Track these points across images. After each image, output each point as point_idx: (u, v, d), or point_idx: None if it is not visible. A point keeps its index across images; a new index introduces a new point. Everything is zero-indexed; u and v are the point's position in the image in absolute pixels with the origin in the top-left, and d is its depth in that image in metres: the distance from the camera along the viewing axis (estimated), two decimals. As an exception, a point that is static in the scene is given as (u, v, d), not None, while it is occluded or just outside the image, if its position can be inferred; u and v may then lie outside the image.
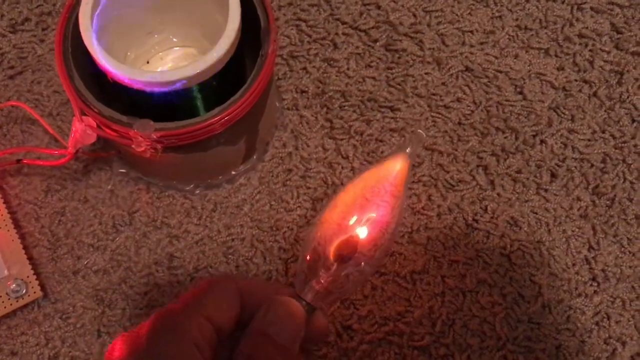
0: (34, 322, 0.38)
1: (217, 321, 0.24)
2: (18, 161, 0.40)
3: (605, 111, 0.44)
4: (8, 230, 0.39)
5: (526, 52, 0.45)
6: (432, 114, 0.43)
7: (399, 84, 0.44)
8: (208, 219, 0.41)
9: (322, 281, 0.27)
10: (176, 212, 0.41)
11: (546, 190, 0.42)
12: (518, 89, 0.44)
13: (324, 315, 0.28)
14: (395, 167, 0.31)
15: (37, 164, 0.40)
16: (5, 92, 0.43)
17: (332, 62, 0.44)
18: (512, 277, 0.40)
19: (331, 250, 0.28)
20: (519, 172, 0.42)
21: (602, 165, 0.42)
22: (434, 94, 0.44)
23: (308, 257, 0.28)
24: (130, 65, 0.37)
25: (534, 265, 0.40)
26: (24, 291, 0.38)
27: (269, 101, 0.38)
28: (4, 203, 0.40)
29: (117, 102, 0.34)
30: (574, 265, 0.40)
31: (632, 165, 0.42)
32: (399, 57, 0.45)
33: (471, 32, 0.45)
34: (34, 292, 0.38)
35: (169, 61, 0.41)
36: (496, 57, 0.45)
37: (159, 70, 0.40)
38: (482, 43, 0.45)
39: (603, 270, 0.40)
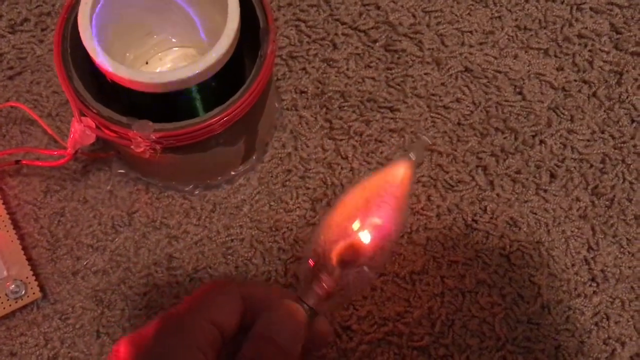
0: (33, 323, 0.38)
1: (221, 325, 0.24)
2: (17, 162, 0.40)
3: (604, 111, 0.44)
4: (7, 231, 0.39)
5: (525, 52, 0.45)
6: (432, 114, 0.43)
7: (398, 85, 0.44)
8: (207, 219, 0.41)
9: (324, 285, 0.28)
10: (175, 213, 0.41)
11: (545, 191, 0.42)
12: (517, 90, 0.44)
13: (326, 319, 0.28)
14: (399, 172, 0.31)
15: (36, 164, 0.40)
16: (5, 92, 0.43)
17: (331, 62, 0.44)
18: (511, 278, 0.40)
19: (334, 255, 0.28)
20: (518, 172, 0.42)
21: (601, 165, 0.42)
22: (433, 95, 0.44)
23: (311, 262, 0.29)
24: (129, 66, 0.37)
25: (533, 266, 0.40)
26: (23, 292, 0.38)
27: (268, 102, 0.38)
28: (3, 204, 0.40)
29: (116, 102, 0.34)
30: (573, 265, 0.40)
31: (631, 166, 0.42)
32: (398, 58, 0.45)
33: (470, 32, 0.45)
34: (33, 293, 0.38)
35: (168, 62, 0.41)
36: (495, 58, 0.45)
37: (157, 70, 0.40)
38: (481, 43, 0.45)
39: (602, 271, 0.40)
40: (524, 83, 0.44)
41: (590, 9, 0.46)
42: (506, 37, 0.45)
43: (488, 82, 0.44)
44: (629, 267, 0.40)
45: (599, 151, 0.43)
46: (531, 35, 0.46)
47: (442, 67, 0.44)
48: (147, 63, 0.40)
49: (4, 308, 0.37)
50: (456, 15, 0.46)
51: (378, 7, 0.46)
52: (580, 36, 0.45)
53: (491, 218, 0.41)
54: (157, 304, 0.39)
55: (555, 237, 0.41)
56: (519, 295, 0.39)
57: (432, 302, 0.39)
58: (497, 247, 0.40)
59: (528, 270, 0.40)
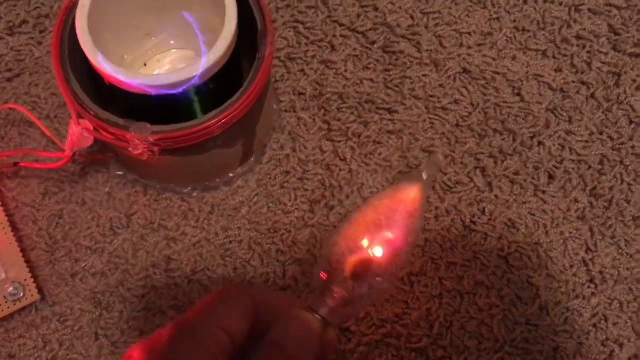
0: (32, 325, 0.38)
1: (231, 331, 0.25)
2: (15, 164, 0.40)
3: (602, 112, 0.44)
4: (5, 233, 0.39)
5: (524, 53, 0.45)
6: (430, 115, 0.43)
7: (396, 86, 0.44)
8: (205, 221, 0.41)
9: (336, 297, 0.28)
10: (173, 215, 0.41)
11: (544, 192, 0.42)
12: (515, 91, 0.44)
13: (335, 330, 0.29)
14: (412, 190, 0.32)
15: (34, 166, 0.40)
16: (3, 94, 0.43)
17: (329, 63, 0.44)
18: (509, 279, 0.40)
19: (346, 267, 0.29)
20: (516, 173, 0.42)
21: (599, 166, 0.42)
22: (431, 96, 0.44)
23: (323, 274, 0.29)
24: (127, 68, 0.37)
25: (531, 267, 0.40)
26: (21, 294, 0.38)
27: (266, 103, 0.38)
28: (1, 206, 0.40)
29: (114, 104, 0.34)
30: (571, 266, 0.40)
31: (629, 167, 0.42)
32: (396, 59, 0.45)
33: (469, 33, 0.45)
34: (32, 295, 0.38)
35: (166, 63, 0.41)
36: (494, 59, 0.45)
37: (155, 72, 0.40)
38: (479, 44, 0.45)
39: (600, 272, 0.40)
40: (522, 84, 0.44)
41: (589, 10, 0.46)
42: (504, 38, 0.45)
43: (486, 83, 0.44)
44: (627, 269, 0.40)
45: (597, 152, 0.43)
46: (529, 36, 0.46)
47: (440, 68, 0.44)
48: (145, 65, 0.40)
49: (2, 310, 0.37)
50: (454, 16, 0.46)
51: (376, 9, 0.46)
52: (578, 37, 0.45)
53: (489, 219, 0.41)
54: (155, 306, 0.39)
55: (554, 238, 0.41)
56: (517, 296, 0.39)
57: (430, 303, 0.39)
58: (495, 249, 0.40)
59: (526, 271, 0.40)
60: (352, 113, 0.43)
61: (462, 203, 0.41)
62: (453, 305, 0.39)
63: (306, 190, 0.42)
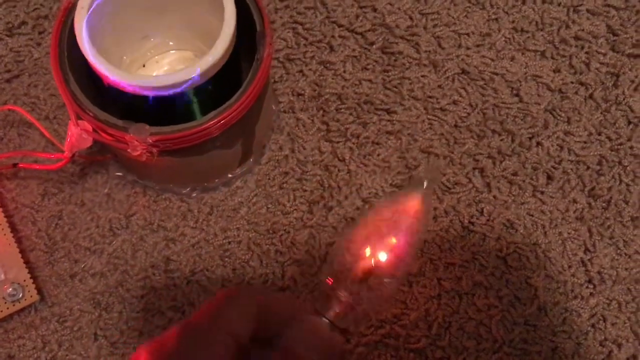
0: (31, 325, 0.38)
1: (237, 334, 0.25)
2: (15, 165, 0.40)
3: (601, 113, 0.44)
4: (5, 234, 0.39)
5: (522, 54, 0.45)
6: (429, 116, 0.43)
7: (395, 87, 0.44)
8: (204, 222, 0.41)
9: (343, 301, 0.28)
10: (173, 216, 0.41)
11: (542, 193, 0.42)
12: (514, 91, 0.44)
13: (343, 335, 0.29)
14: (415, 196, 0.33)
15: (33, 167, 0.40)
16: (2, 96, 0.43)
17: (328, 64, 0.44)
18: (508, 280, 0.40)
19: (352, 272, 0.29)
20: (515, 174, 0.42)
21: (598, 167, 0.43)
22: (430, 97, 0.44)
23: (329, 280, 0.30)
24: (126, 69, 0.38)
25: (530, 268, 0.40)
26: (20, 295, 0.38)
27: (265, 104, 0.38)
28: (0, 207, 0.40)
29: (113, 105, 0.34)
30: (570, 267, 0.40)
31: (628, 167, 0.42)
32: (395, 60, 0.45)
33: (467, 34, 0.46)
34: (31, 296, 0.38)
35: (165, 65, 0.41)
36: (492, 60, 0.45)
37: (154, 74, 0.40)
38: (478, 45, 0.45)
39: (599, 273, 0.40)
40: (520, 85, 0.44)
41: (587, 10, 0.46)
42: (503, 39, 0.46)
43: (485, 84, 0.44)
44: (626, 269, 0.40)
45: (595, 153, 0.43)
46: (528, 37, 0.46)
47: (439, 69, 0.44)
48: (144, 66, 0.40)
49: (2, 311, 0.38)
50: (453, 17, 0.46)
51: (375, 10, 0.46)
52: (577, 38, 0.46)
53: (488, 220, 0.41)
54: (154, 307, 0.39)
55: (552, 239, 0.41)
56: (516, 297, 0.39)
57: (429, 304, 0.39)
58: (494, 249, 0.40)
59: (525, 272, 0.40)
60: (351, 114, 0.43)
61: (461, 204, 0.41)
62: (452, 305, 0.39)
63: (305, 191, 0.42)
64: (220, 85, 0.34)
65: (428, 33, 0.45)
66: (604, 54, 0.45)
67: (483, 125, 0.43)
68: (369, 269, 0.30)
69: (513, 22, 0.46)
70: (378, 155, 0.42)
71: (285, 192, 0.42)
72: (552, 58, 0.45)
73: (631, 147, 0.43)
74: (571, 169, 0.42)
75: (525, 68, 0.45)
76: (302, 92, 0.44)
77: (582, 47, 0.45)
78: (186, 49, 0.41)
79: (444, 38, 0.45)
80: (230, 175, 0.41)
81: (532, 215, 0.41)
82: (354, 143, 0.43)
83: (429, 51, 0.45)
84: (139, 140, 0.31)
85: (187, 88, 0.32)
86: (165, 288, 0.39)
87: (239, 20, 0.33)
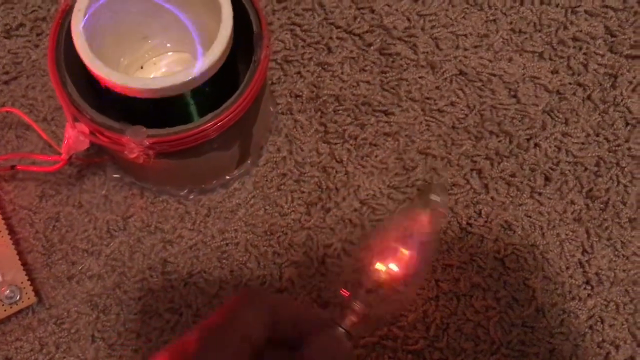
0: (29, 327, 0.38)
1: (251, 339, 0.25)
2: (13, 167, 0.40)
3: (599, 114, 0.44)
4: (2, 236, 0.39)
5: (520, 55, 0.45)
6: (426, 117, 0.43)
7: (393, 88, 0.44)
8: (202, 224, 0.41)
9: (357, 311, 0.29)
10: (170, 217, 0.41)
11: (540, 194, 0.42)
12: (512, 93, 0.44)
13: (355, 343, 0.30)
14: (426, 211, 0.35)
15: (31, 169, 0.40)
16: (0, 97, 0.43)
17: (326, 66, 0.44)
18: (506, 281, 0.40)
19: (366, 283, 0.31)
20: (512, 175, 0.42)
21: (595, 168, 0.42)
22: (428, 98, 0.44)
23: (344, 292, 0.31)
24: (123, 71, 0.38)
25: (527, 269, 0.40)
26: (18, 297, 0.38)
27: (263, 106, 0.38)
28: (-2, 209, 0.40)
29: (110, 108, 0.34)
30: (567, 268, 0.40)
31: (625, 169, 0.42)
32: (392, 61, 0.45)
33: (465, 35, 0.45)
34: (28, 298, 0.38)
35: (162, 66, 0.41)
36: (490, 61, 0.45)
37: (152, 76, 0.40)
38: (476, 47, 0.45)
39: (597, 274, 0.40)
40: (518, 86, 0.44)
41: (585, 12, 0.46)
42: (501, 40, 0.45)
43: (483, 85, 0.44)
44: (624, 270, 0.40)
45: (593, 154, 0.43)
46: (526, 38, 0.46)
47: (437, 70, 0.44)
48: (141, 68, 0.40)
49: (-1, 313, 0.38)
50: (451, 18, 0.46)
51: (372, 11, 0.46)
52: (575, 39, 0.46)
53: (486, 221, 0.41)
54: (152, 309, 0.39)
55: (550, 241, 0.41)
56: (514, 298, 0.39)
57: (427, 305, 0.39)
58: (492, 251, 0.40)
59: (522, 273, 0.40)
60: (348, 115, 0.43)
61: (459, 205, 0.41)
62: (450, 307, 0.39)
63: (303, 192, 0.42)
64: (217, 87, 0.34)
65: (426, 34, 0.45)
66: (602, 55, 0.45)
67: (481, 126, 0.43)
68: (383, 280, 0.31)
69: (511, 23, 0.46)
70: (376, 156, 0.42)
71: (282, 193, 0.42)
72: (550, 59, 0.45)
73: (629, 149, 0.43)
74: (569, 170, 0.42)
75: (523, 69, 0.45)
76: (300, 93, 0.44)
77: (580, 48, 0.45)
78: (184, 51, 0.41)
79: (441, 39, 0.45)
80: (227, 177, 0.41)
81: (530, 217, 0.41)
82: (351, 144, 0.43)
83: (427, 52, 0.45)
84: (135, 142, 0.31)
85: (185, 90, 0.32)
86: (163, 290, 0.39)
87: (236, 22, 0.33)
